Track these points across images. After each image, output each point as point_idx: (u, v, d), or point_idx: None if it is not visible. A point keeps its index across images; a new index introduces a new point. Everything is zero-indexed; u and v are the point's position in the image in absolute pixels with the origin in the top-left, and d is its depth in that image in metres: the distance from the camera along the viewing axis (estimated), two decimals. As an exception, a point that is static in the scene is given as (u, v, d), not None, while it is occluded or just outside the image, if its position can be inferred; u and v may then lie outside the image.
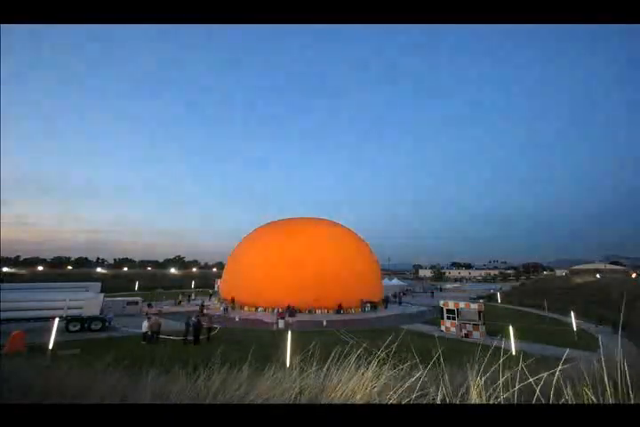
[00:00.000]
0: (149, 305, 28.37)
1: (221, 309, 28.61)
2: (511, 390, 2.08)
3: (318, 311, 28.10)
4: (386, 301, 33.40)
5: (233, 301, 30.44)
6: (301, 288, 28.59)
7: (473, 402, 2.08)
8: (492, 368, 2.44)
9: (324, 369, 2.92)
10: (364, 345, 3.63)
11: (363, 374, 2.56)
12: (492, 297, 36.30)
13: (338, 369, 2.78)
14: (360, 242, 37.80)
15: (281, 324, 21.68)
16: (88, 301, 19.74)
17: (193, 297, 37.87)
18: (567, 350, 2.29)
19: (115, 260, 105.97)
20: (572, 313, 19.70)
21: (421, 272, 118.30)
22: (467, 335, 18.87)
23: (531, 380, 2.22)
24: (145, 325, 16.28)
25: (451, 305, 20.39)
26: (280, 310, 26.21)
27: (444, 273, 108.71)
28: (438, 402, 2.17)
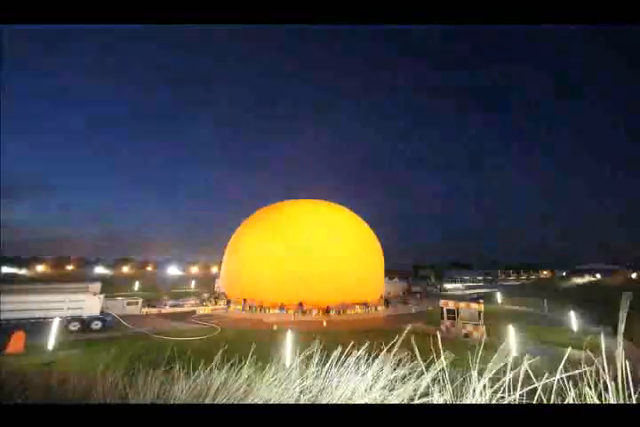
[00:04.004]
0: (151, 305, 28.29)
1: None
2: (511, 390, 2.08)
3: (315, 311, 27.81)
4: (387, 300, 33.39)
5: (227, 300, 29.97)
6: (299, 286, 28.37)
7: (473, 402, 2.08)
8: (492, 368, 2.44)
9: (325, 369, 2.92)
10: (364, 345, 3.63)
11: (363, 374, 2.56)
12: (491, 297, 36.37)
13: (338, 369, 2.78)
14: (364, 232, 35.99)
15: None
16: (88, 301, 19.80)
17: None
18: (567, 350, 2.29)
19: (115, 260, 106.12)
20: (572, 313, 19.77)
21: (421, 272, 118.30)
22: (467, 335, 18.88)
23: (530, 380, 2.22)
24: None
25: (451, 305, 20.40)
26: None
27: (444, 273, 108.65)
28: (438, 402, 2.17)
